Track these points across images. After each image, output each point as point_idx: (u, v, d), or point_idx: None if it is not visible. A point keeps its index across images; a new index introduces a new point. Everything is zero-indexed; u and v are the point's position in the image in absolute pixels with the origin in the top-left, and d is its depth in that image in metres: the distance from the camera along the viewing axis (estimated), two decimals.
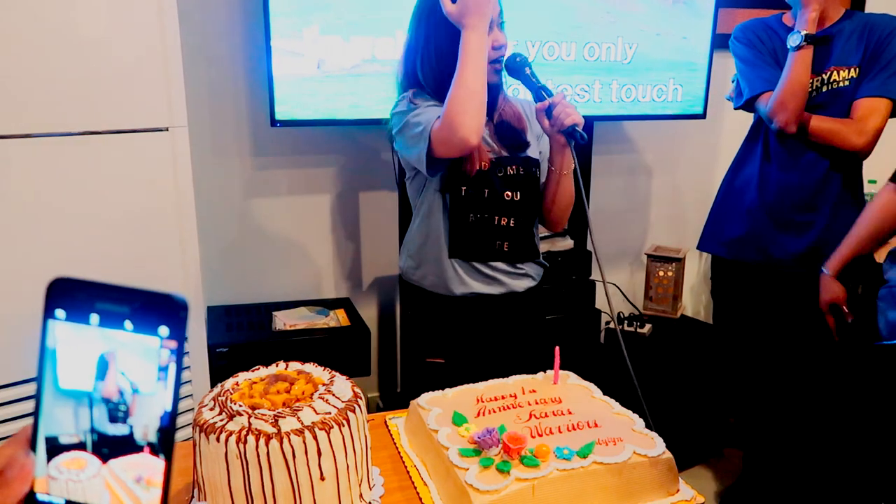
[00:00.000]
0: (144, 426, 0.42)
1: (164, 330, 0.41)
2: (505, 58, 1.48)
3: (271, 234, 2.32)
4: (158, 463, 0.42)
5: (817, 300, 1.91)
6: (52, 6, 1.35)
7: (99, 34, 1.41)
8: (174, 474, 0.99)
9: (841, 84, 1.83)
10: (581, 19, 2.23)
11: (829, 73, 1.84)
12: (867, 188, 2.82)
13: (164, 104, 1.52)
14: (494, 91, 1.50)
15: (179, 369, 0.42)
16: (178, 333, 0.41)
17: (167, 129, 1.54)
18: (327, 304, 2.24)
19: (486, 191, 1.50)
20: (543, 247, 1.96)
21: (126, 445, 0.42)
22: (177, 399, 0.42)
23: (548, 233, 2.38)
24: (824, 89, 1.85)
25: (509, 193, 1.51)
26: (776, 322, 1.98)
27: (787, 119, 1.82)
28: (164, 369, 0.42)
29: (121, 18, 1.43)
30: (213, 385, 1.11)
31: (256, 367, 0.97)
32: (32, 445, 0.43)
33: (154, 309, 0.41)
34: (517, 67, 1.47)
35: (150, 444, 0.42)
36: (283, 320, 2.08)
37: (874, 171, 2.75)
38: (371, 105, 2.07)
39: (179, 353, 0.41)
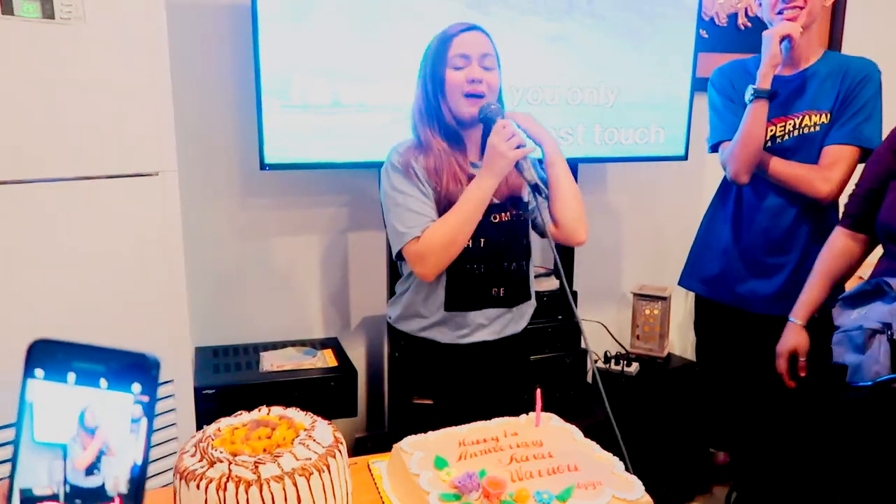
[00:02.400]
0: (115, 478, 0.44)
1: (136, 387, 0.44)
2: (492, 107, 1.47)
3: (260, 274, 2.33)
4: None
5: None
6: (44, 53, 1.38)
7: (90, 80, 1.44)
8: None
9: (812, 129, 1.83)
10: (563, 63, 2.29)
11: (800, 117, 1.84)
12: None
13: (155, 149, 1.55)
14: (471, 126, 1.52)
15: (151, 423, 0.44)
16: (151, 389, 0.44)
17: (157, 174, 1.57)
18: (315, 345, 2.25)
19: (483, 241, 1.52)
20: None
21: (97, 496, 0.44)
22: (147, 452, 0.44)
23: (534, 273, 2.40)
24: (795, 133, 1.84)
25: (504, 240, 1.54)
26: (753, 362, 1.99)
27: (738, 170, 1.83)
28: (136, 421, 0.44)
29: (112, 65, 1.47)
30: (199, 428, 1.12)
31: (239, 412, 0.98)
32: (8, 500, 0.44)
33: (128, 367, 0.43)
34: (490, 118, 1.46)
35: (120, 495, 0.44)
36: (271, 361, 2.08)
37: None
38: (359, 148, 2.11)
39: (151, 408, 0.44)
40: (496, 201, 1.52)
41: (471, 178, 1.49)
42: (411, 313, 1.59)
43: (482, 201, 1.43)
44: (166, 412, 1.62)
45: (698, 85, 2.47)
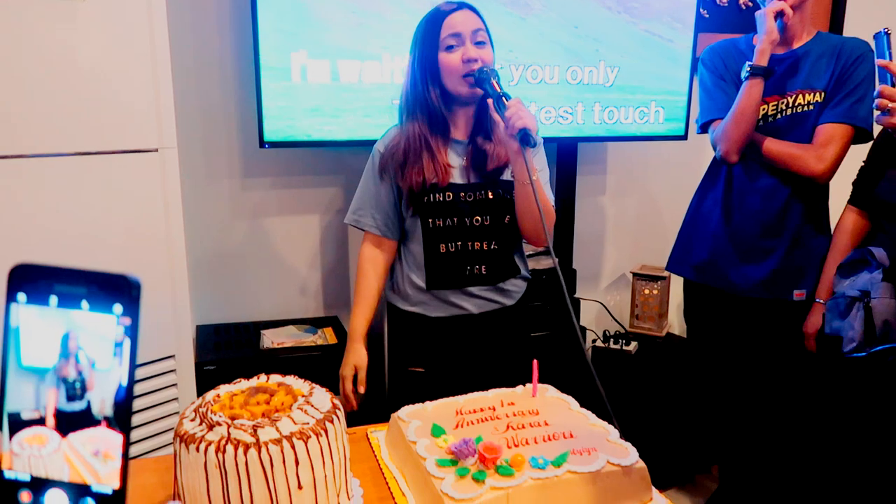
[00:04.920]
0: (101, 401, 0.44)
1: (118, 308, 0.44)
2: (486, 69, 1.44)
3: (260, 253, 2.34)
4: (116, 437, 0.44)
5: (782, 325, 1.90)
6: (46, 29, 1.38)
7: (91, 57, 1.45)
8: (156, 486, 1.01)
9: (805, 108, 1.81)
10: (563, 43, 2.29)
11: (793, 95, 1.82)
12: None
13: (155, 125, 1.56)
14: (466, 103, 1.51)
15: (134, 345, 0.44)
16: (132, 311, 0.44)
17: (157, 151, 1.57)
18: (315, 323, 2.26)
19: (455, 219, 1.53)
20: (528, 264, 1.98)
21: (84, 419, 0.44)
22: (132, 374, 0.44)
23: (532, 251, 2.41)
24: (788, 112, 1.82)
25: (479, 219, 1.53)
26: (746, 345, 1.98)
27: (728, 149, 1.80)
28: (119, 345, 0.44)
29: (113, 41, 1.47)
30: None
31: (238, 379, 1.00)
32: None
33: (109, 289, 0.44)
34: (483, 78, 1.43)
35: (106, 419, 0.44)
36: (271, 338, 2.10)
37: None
38: (358, 127, 2.11)
39: (134, 330, 0.44)
40: (474, 180, 1.52)
41: (444, 169, 1.50)
42: (400, 291, 1.63)
43: None
44: (168, 387, 1.64)
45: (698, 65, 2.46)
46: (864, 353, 1.37)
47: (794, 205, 1.85)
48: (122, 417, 0.44)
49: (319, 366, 1.99)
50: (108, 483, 0.44)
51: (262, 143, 2.03)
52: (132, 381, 0.44)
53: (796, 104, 1.82)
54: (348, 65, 2.06)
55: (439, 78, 1.49)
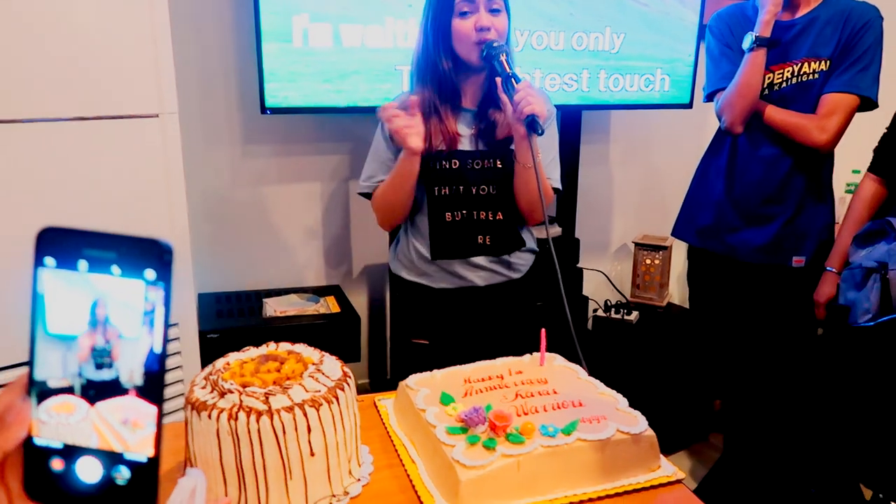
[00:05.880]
0: (130, 370, 0.43)
1: (150, 273, 0.42)
2: (495, 44, 1.42)
3: (262, 221, 2.33)
4: (145, 405, 0.43)
5: (781, 290, 1.91)
6: None
7: (90, 20, 1.41)
8: (166, 454, 1.01)
9: (811, 77, 1.79)
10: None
11: (799, 64, 1.80)
12: (852, 178, 2.86)
13: (155, 91, 1.53)
14: (477, 71, 1.49)
15: (167, 312, 0.42)
16: (164, 276, 0.42)
17: (157, 116, 1.55)
18: (318, 292, 2.26)
19: (461, 188, 1.51)
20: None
21: (113, 388, 0.43)
22: (165, 342, 0.43)
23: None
24: (793, 81, 1.81)
25: (485, 188, 1.52)
26: (745, 310, 2.00)
27: (733, 120, 1.81)
28: (149, 314, 0.42)
29: (112, 5, 1.44)
30: None
31: (247, 347, 0.99)
32: (29, 392, 0.44)
33: (140, 253, 0.42)
34: (492, 55, 1.40)
35: (136, 388, 0.43)
36: (274, 307, 2.09)
37: (857, 161, 2.78)
38: (361, 93, 2.08)
39: (166, 296, 0.42)
40: (482, 148, 1.50)
41: (452, 137, 1.48)
42: (404, 261, 1.61)
43: (409, 173, 1.46)
44: (172, 354, 1.63)
45: (705, 32, 2.43)
46: (870, 323, 1.37)
47: (796, 174, 1.85)
48: (152, 386, 0.43)
49: (323, 335, 1.99)
50: (136, 451, 0.43)
51: (263, 109, 2.00)
52: (165, 350, 0.43)
53: (802, 73, 1.80)
54: (350, 29, 2.02)
55: (451, 45, 1.45)
